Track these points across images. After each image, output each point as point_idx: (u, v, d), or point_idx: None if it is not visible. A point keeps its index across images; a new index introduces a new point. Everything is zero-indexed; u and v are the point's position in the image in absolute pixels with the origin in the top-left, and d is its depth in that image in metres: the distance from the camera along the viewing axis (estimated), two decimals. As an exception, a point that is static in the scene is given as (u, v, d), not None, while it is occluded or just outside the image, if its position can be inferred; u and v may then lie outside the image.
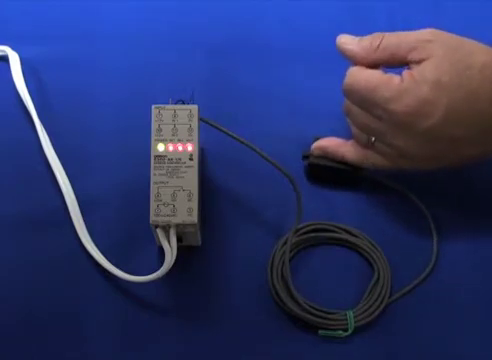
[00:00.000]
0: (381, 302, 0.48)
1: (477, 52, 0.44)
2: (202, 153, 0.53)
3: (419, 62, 0.44)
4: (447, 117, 0.43)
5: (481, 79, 0.43)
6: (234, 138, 0.47)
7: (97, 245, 0.50)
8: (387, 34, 0.46)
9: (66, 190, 0.51)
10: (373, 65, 0.47)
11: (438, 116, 0.43)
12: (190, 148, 0.45)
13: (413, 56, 0.45)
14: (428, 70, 0.44)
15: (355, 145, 0.51)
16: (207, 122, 0.47)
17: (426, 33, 0.45)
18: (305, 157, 0.53)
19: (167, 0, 0.63)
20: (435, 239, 0.51)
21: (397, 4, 0.62)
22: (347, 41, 0.48)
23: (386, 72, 0.46)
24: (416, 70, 0.44)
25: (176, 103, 0.46)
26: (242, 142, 0.47)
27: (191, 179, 0.45)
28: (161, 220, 0.44)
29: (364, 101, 0.46)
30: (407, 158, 0.47)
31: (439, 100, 0.43)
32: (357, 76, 0.47)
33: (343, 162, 0.51)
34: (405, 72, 0.45)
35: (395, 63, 0.46)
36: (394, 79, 0.45)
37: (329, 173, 0.52)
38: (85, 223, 0.50)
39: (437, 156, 0.46)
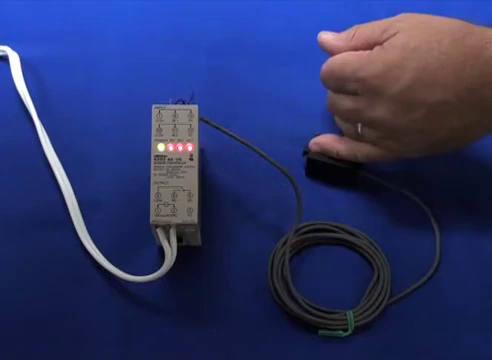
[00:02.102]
0: (381, 302, 0.48)
1: (447, 21, 0.45)
2: (202, 153, 0.53)
3: (390, 38, 0.46)
4: (417, 80, 0.43)
5: (452, 41, 0.43)
6: (234, 138, 0.47)
7: (97, 245, 0.50)
8: (362, 25, 0.49)
9: (66, 190, 0.51)
10: None
11: (407, 79, 0.44)
12: (190, 148, 0.45)
13: (384, 36, 0.46)
14: (397, 38, 0.45)
15: (346, 139, 0.51)
16: (207, 122, 0.47)
17: (397, 16, 0.47)
18: (305, 153, 0.53)
19: (167, 0, 0.63)
20: (437, 239, 0.51)
21: (397, 3, 0.62)
22: (327, 36, 0.50)
23: None
24: (386, 42, 0.46)
25: (176, 103, 0.46)
26: (242, 142, 0.47)
27: (191, 179, 0.45)
28: (161, 220, 0.44)
29: (339, 79, 0.48)
30: (394, 138, 0.47)
31: (407, 63, 0.44)
32: (333, 60, 0.48)
33: (341, 159, 0.51)
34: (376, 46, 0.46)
35: (371, 48, 0.47)
36: (364, 52, 0.46)
37: (327, 170, 0.52)
38: (85, 223, 0.50)
39: (421, 130, 0.46)
